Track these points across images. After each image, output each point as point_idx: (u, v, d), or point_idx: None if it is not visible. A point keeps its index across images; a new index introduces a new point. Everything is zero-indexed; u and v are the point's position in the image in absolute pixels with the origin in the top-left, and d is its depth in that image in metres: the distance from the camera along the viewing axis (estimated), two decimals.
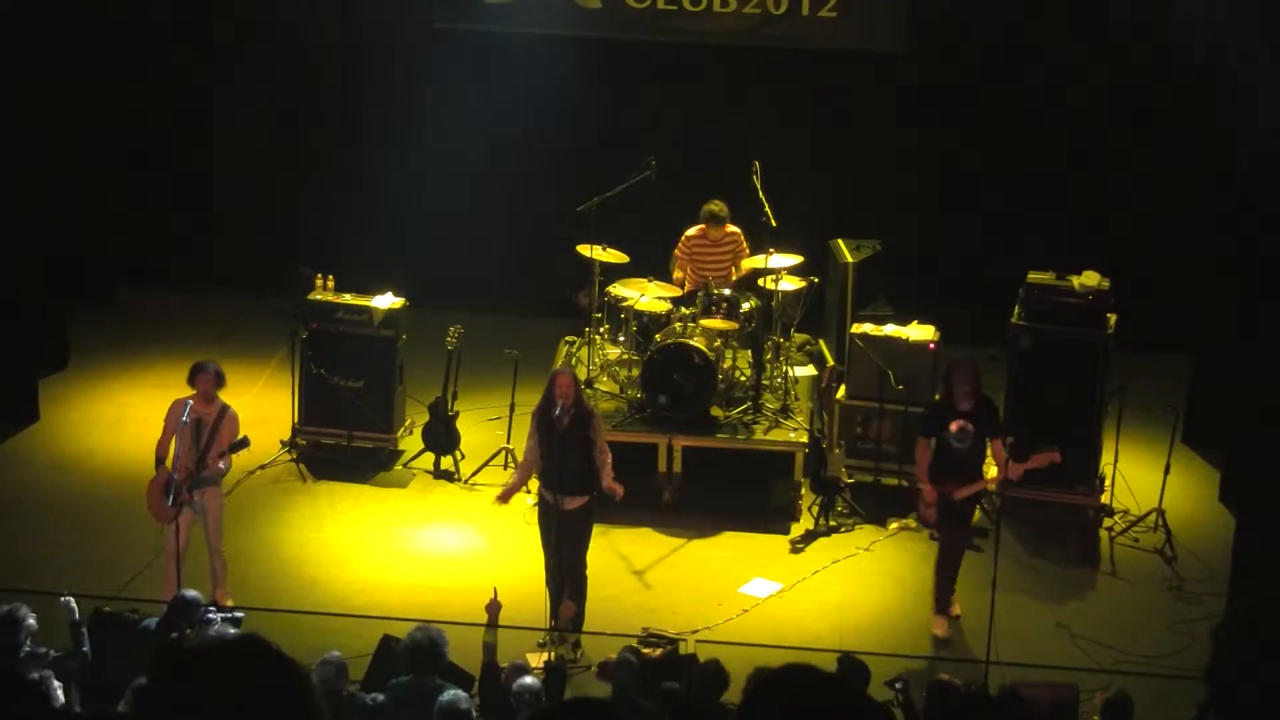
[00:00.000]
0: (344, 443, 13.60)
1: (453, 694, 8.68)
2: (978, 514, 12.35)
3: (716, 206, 13.61)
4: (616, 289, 13.54)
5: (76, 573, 11.52)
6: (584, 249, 13.51)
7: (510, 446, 13.45)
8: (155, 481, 11.11)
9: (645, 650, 10.28)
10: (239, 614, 10.23)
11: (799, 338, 14.25)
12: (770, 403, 13.49)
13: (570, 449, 10.95)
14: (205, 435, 11.02)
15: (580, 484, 11.06)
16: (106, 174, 16.05)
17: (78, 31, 15.28)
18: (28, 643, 8.94)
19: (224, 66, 15.83)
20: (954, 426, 11.26)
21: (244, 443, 11.16)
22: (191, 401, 11.11)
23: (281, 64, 15.62)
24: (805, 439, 13.18)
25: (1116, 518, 12.95)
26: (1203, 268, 14.21)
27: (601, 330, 13.71)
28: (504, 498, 11.67)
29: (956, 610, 11.62)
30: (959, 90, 15.37)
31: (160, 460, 11.18)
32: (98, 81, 15.70)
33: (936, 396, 11.99)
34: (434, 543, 12.67)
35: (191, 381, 11.17)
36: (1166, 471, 12.70)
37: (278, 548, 12.43)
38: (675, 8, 15.57)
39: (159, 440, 11.25)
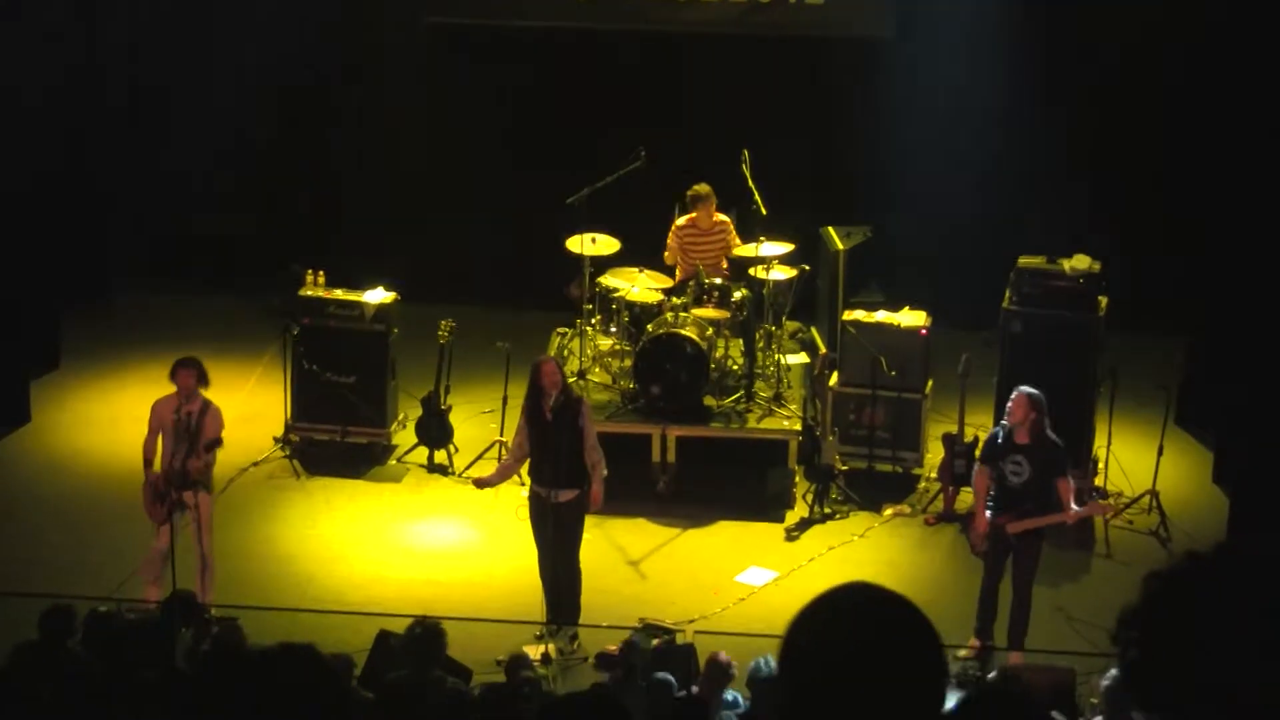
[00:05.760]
0: (337, 438, 13.59)
1: (455, 685, 8.68)
2: None
3: (702, 188, 13.57)
4: (607, 279, 13.52)
5: (70, 573, 11.51)
6: (574, 241, 13.50)
7: (503, 439, 13.41)
8: (146, 484, 11.06)
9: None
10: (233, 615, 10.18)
11: (791, 325, 14.24)
12: (763, 391, 13.48)
13: (561, 439, 10.88)
14: (189, 433, 10.96)
15: (573, 475, 11.00)
16: (98, 173, 15.99)
17: (71, 29, 15.24)
18: None
19: (217, 63, 15.78)
20: (1010, 459, 10.75)
21: (216, 442, 11.05)
22: (178, 398, 10.95)
23: (273, 59, 15.57)
24: (799, 427, 13.17)
25: (1110, 500, 12.95)
26: (1194, 250, 14.20)
27: (593, 321, 13.69)
28: (479, 483, 11.72)
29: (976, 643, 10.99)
30: (947, 75, 15.34)
31: (148, 462, 11.07)
32: (90, 79, 15.64)
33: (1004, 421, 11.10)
34: (429, 537, 12.66)
35: (173, 377, 11.02)
36: (1160, 453, 12.70)
37: (272, 545, 12.42)
38: None
39: (145, 441, 11.13)
